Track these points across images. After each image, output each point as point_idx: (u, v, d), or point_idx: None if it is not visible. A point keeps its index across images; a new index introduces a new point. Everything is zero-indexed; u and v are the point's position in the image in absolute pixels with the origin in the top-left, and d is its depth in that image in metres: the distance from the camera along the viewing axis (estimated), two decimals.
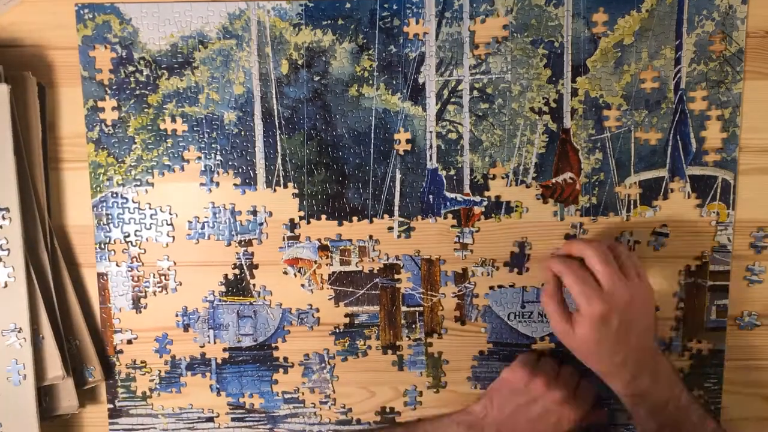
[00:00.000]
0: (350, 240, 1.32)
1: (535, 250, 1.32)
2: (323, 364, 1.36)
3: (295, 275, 1.33)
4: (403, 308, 1.34)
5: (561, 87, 1.27)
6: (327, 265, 1.33)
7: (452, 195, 1.30)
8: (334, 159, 1.29)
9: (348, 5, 1.25)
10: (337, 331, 1.35)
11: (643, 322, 1.18)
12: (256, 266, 1.33)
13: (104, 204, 1.30)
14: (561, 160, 1.29)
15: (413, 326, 1.35)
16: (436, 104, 1.28)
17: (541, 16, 1.26)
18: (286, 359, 1.36)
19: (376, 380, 1.37)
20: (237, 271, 1.33)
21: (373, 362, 1.36)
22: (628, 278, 1.15)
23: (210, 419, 1.38)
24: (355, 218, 1.31)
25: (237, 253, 1.32)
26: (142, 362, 1.35)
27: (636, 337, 1.16)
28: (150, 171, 1.30)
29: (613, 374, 1.18)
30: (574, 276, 1.15)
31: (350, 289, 1.34)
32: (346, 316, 1.35)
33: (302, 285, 1.33)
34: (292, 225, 1.31)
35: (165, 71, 1.27)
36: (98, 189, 1.29)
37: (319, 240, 1.32)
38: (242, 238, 1.32)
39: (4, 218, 1.21)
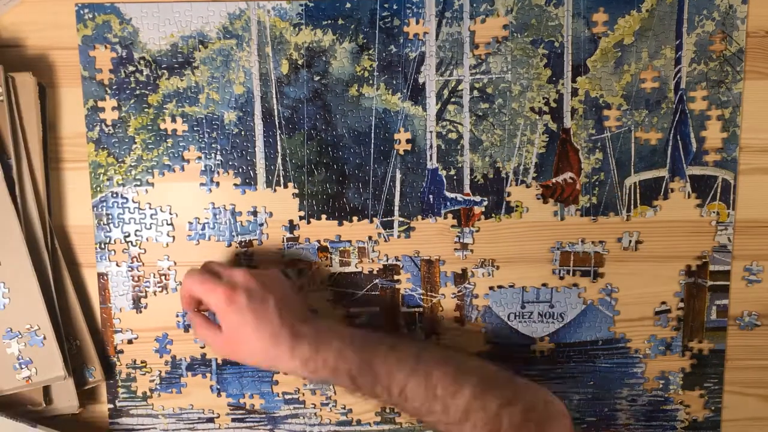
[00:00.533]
0: (349, 241, 1.31)
1: (536, 250, 1.32)
2: None
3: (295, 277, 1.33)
4: (403, 309, 1.34)
5: (561, 87, 1.27)
6: (326, 266, 1.33)
7: (452, 195, 1.30)
8: (335, 159, 1.29)
9: (348, 5, 1.25)
10: None
11: (281, 295, 1.16)
12: (257, 267, 1.32)
13: (104, 204, 1.30)
14: (561, 160, 1.29)
15: (413, 327, 1.35)
16: (437, 104, 1.28)
17: (541, 16, 1.26)
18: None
19: None
20: None
21: None
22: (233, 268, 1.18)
23: (210, 420, 1.37)
24: (355, 218, 1.30)
25: (237, 253, 1.32)
26: (142, 362, 1.35)
27: (280, 309, 1.14)
28: (150, 171, 1.30)
29: (276, 349, 1.13)
30: (195, 278, 1.16)
31: (350, 290, 1.34)
32: (346, 317, 1.35)
33: (302, 287, 1.33)
34: (292, 226, 1.31)
35: (165, 71, 1.27)
36: (98, 189, 1.29)
37: (319, 241, 1.31)
38: (243, 239, 1.32)
39: None
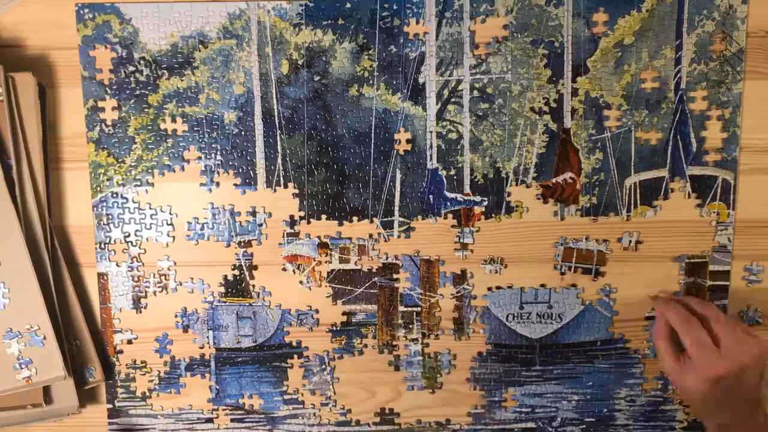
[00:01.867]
0: (350, 238, 1.31)
1: (536, 250, 1.32)
2: (323, 366, 1.36)
3: (294, 272, 1.33)
4: (401, 308, 1.34)
5: (561, 87, 1.27)
6: (326, 262, 1.33)
7: (452, 195, 1.30)
8: (335, 159, 1.29)
9: (348, 5, 1.25)
10: (334, 328, 1.35)
11: (753, 384, 1.17)
12: (256, 267, 1.33)
13: (104, 204, 1.30)
14: (561, 160, 1.29)
15: (410, 326, 1.35)
16: (437, 104, 1.28)
17: (541, 16, 1.26)
18: (286, 360, 1.36)
19: (374, 380, 1.37)
20: (236, 272, 1.33)
21: (369, 361, 1.36)
22: (738, 335, 1.16)
23: (209, 420, 1.37)
24: (355, 218, 1.30)
25: (236, 253, 1.32)
26: (142, 362, 1.35)
27: (739, 398, 1.16)
28: (150, 171, 1.29)
29: (710, 417, 1.19)
30: (694, 335, 1.16)
31: (348, 288, 1.34)
32: (344, 314, 1.35)
33: (301, 282, 1.33)
34: (292, 221, 1.31)
35: (165, 71, 1.27)
36: (98, 189, 1.29)
37: (319, 237, 1.31)
38: (242, 239, 1.32)
39: None
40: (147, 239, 1.31)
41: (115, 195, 1.30)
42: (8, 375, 1.25)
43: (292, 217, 1.31)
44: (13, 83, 1.22)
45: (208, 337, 1.35)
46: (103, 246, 1.31)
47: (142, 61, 1.27)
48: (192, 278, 1.32)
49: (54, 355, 1.25)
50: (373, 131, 1.29)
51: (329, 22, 1.26)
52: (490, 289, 1.34)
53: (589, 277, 1.32)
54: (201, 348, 1.35)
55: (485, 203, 1.30)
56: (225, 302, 1.34)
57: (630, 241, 1.31)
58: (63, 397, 1.30)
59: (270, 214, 1.31)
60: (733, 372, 1.13)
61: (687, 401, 1.22)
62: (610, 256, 1.31)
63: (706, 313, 1.19)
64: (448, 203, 1.30)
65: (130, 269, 1.32)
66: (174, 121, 1.28)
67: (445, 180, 1.30)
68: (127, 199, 1.30)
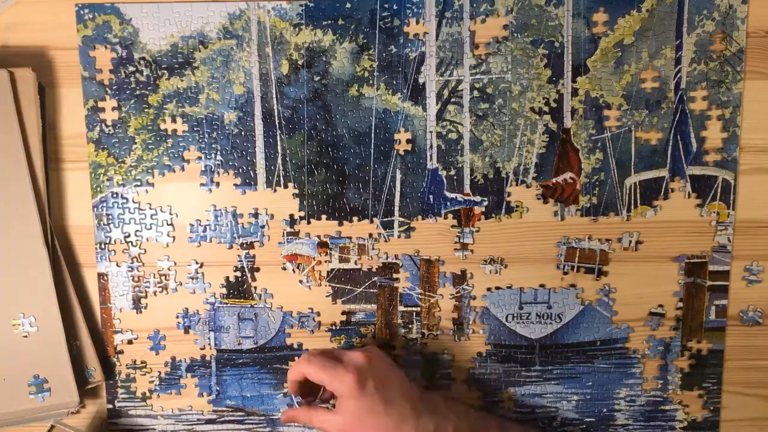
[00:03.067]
0: (350, 237, 1.31)
1: (536, 250, 1.32)
2: None
3: (294, 271, 1.33)
4: (401, 308, 1.34)
5: (561, 87, 1.27)
6: (326, 262, 1.33)
7: (452, 195, 1.30)
8: (335, 159, 1.29)
9: (348, 5, 1.25)
10: (334, 328, 1.35)
11: (394, 373, 1.19)
12: (258, 269, 1.33)
13: (104, 204, 1.30)
14: (561, 160, 1.29)
15: (410, 326, 1.35)
16: (437, 104, 1.28)
17: (541, 16, 1.26)
18: (287, 363, 1.36)
19: None
20: (238, 274, 1.33)
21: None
22: (347, 351, 1.19)
23: (210, 421, 1.37)
24: (355, 218, 1.31)
25: (239, 255, 1.32)
26: (142, 362, 1.35)
27: (398, 389, 1.17)
28: (150, 171, 1.29)
29: (401, 429, 1.16)
30: (313, 364, 1.16)
31: (348, 287, 1.34)
32: (343, 313, 1.35)
33: (300, 281, 1.33)
34: (292, 221, 1.31)
35: (165, 71, 1.27)
36: (98, 189, 1.29)
37: (319, 237, 1.32)
38: (244, 241, 1.32)
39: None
40: (147, 239, 1.31)
41: (115, 195, 1.30)
42: (23, 396, 1.27)
43: (291, 216, 1.31)
44: (12, 77, 1.22)
45: (209, 338, 1.35)
46: (103, 246, 1.31)
47: (142, 62, 1.27)
48: (193, 279, 1.32)
49: (68, 380, 1.28)
50: (373, 131, 1.29)
51: (329, 22, 1.26)
52: (489, 289, 1.34)
53: (591, 277, 1.32)
54: (202, 349, 1.35)
55: (485, 203, 1.30)
56: (226, 304, 1.34)
57: (630, 241, 1.31)
58: (63, 394, 1.30)
59: (272, 216, 1.31)
60: (362, 367, 1.15)
61: None
62: (611, 255, 1.31)
63: (306, 365, 1.18)
64: (448, 203, 1.30)
65: (130, 269, 1.32)
66: (174, 121, 1.28)
67: (445, 180, 1.30)
68: (127, 199, 1.30)
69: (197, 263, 1.32)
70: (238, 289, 1.33)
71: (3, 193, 1.23)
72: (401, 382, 1.18)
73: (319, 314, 1.35)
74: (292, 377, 1.21)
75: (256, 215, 1.31)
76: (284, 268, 1.32)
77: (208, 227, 1.31)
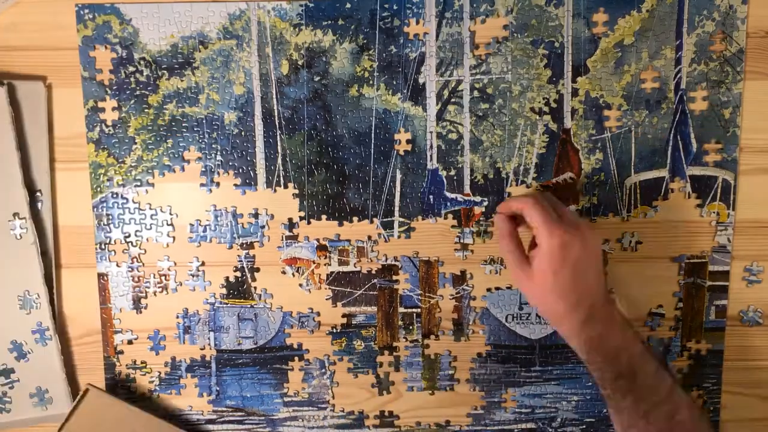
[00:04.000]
0: (348, 240, 1.32)
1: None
2: (323, 370, 1.36)
3: (293, 275, 1.33)
4: (401, 309, 1.34)
5: (561, 87, 1.27)
6: (325, 265, 1.33)
7: (452, 195, 1.30)
8: (335, 159, 1.29)
9: (348, 5, 1.25)
10: (335, 331, 1.35)
11: (596, 263, 1.16)
12: (258, 269, 1.33)
13: (104, 204, 1.30)
14: (561, 160, 1.29)
15: (410, 328, 1.35)
16: (437, 104, 1.28)
17: (541, 16, 1.26)
18: (287, 363, 1.36)
19: (374, 382, 1.37)
20: (238, 274, 1.33)
21: (370, 363, 1.36)
22: (577, 218, 1.17)
23: (209, 421, 1.37)
24: (355, 218, 1.31)
25: (239, 255, 1.32)
26: (142, 362, 1.35)
27: (591, 277, 1.15)
28: (150, 171, 1.29)
29: (567, 316, 1.15)
30: (537, 205, 1.14)
31: (348, 290, 1.34)
32: (344, 316, 1.35)
33: (300, 285, 1.33)
34: (291, 224, 1.31)
35: (165, 71, 1.27)
36: (98, 189, 1.29)
37: (318, 240, 1.32)
38: (244, 241, 1.32)
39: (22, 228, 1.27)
40: (147, 239, 1.31)
41: (115, 195, 1.30)
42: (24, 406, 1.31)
43: (290, 219, 1.31)
44: (11, 88, 1.23)
45: (209, 338, 1.35)
46: (103, 246, 1.31)
47: (142, 62, 1.27)
48: (194, 276, 1.32)
49: (62, 392, 1.32)
50: (373, 131, 1.29)
51: (329, 22, 1.26)
52: (489, 290, 1.34)
53: None
54: (202, 349, 1.35)
55: (485, 203, 1.30)
56: (226, 304, 1.34)
57: (630, 241, 1.31)
58: (58, 404, 1.33)
59: (272, 216, 1.31)
60: (577, 237, 1.13)
61: (538, 296, 1.18)
62: (610, 256, 1.31)
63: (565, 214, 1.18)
64: (448, 203, 1.30)
65: (130, 270, 1.32)
66: (174, 121, 1.28)
67: (445, 180, 1.30)
68: (127, 199, 1.30)
69: (198, 261, 1.32)
70: (238, 289, 1.33)
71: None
72: (597, 274, 1.16)
73: (318, 314, 1.35)
74: (508, 209, 1.22)
75: (256, 215, 1.31)
76: (284, 272, 1.32)
77: (208, 227, 1.31)
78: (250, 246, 1.32)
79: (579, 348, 1.17)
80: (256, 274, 1.33)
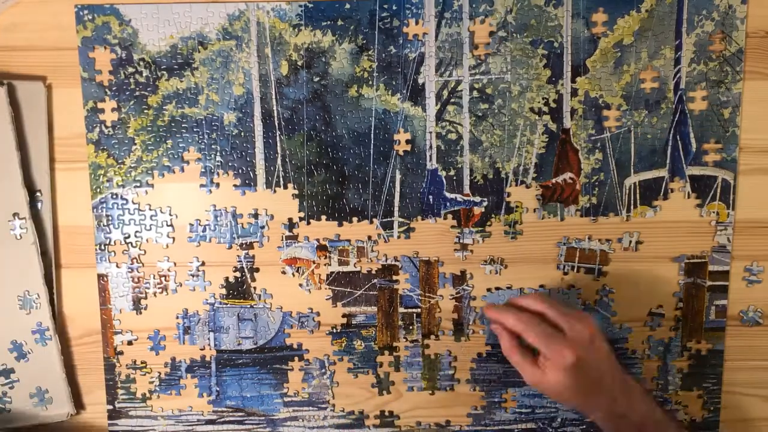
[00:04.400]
0: (348, 240, 1.31)
1: (535, 250, 1.32)
2: (323, 370, 1.36)
3: (293, 275, 1.33)
4: (401, 309, 1.34)
5: (561, 87, 1.27)
6: (325, 265, 1.33)
7: (452, 195, 1.30)
8: (334, 160, 1.29)
9: (347, 6, 1.25)
10: (335, 331, 1.35)
11: (605, 361, 1.17)
12: (257, 269, 1.33)
13: (104, 205, 1.30)
14: (561, 160, 1.29)
15: (410, 328, 1.35)
16: (436, 105, 1.28)
17: (540, 17, 1.26)
18: (287, 363, 1.36)
19: (374, 382, 1.37)
20: (238, 274, 1.33)
21: (370, 363, 1.36)
22: (573, 315, 1.18)
23: (210, 422, 1.37)
24: (355, 219, 1.30)
25: (238, 255, 1.32)
26: (142, 363, 1.35)
27: (604, 376, 1.16)
28: (150, 172, 1.29)
29: (592, 406, 1.17)
30: (537, 331, 1.16)
31: (348, 290, 1.34)
32: (344, 316, 1.35)
33: (300, 285, 1.33)
34: (291, 224, 1.31)
35: (165, 72, 1.27)
36: (98, 190, 1.29)
37: (318, 240, 1.32)
38: (243, 241, 1.32)
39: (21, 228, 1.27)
40: (147, 240, 1.31)
41: (115, 196, 1.30)
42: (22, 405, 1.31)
43: (290, 220, 1.31)
44: (11, 88, 1.23)
45: (208, 338, 1.35)
46: (103, 247, 1.31)
47: (141, 63, 1.27)
48: (194, 276, 1.32)
49: (62, 392, 1.32)
50: (372, 132, 1.29)
51: (328, 23, 1.26)
52: (489, 290, 1.34)
53: (591, 277, 1.32)
54: (202, 350, 1.35)
55: (485, 204, 1.30)
56: (226, 304, 1.34)
57: (630, 241, 1.31)
58: (58, 404, 1.33)
59: (272, 216, 1.31)
60: (583, 347, 1.14)
61: (560, 397, 1.20)
62: (611, 256, 1.31)
63: (537, 308, 1.19)
64: (448, 204, 1.30)
65: (130, 270, 1.32)
66: (174, 122, 1.28)
67: (444, 180, 1.30)
68: (126, 200, 1.30)
69: (198, 261, 1.32)
70: (238, 289, 1.33)
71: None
72: (610, 370, 1.17)
73: (318, 314, 1.34)
74: (503, 320, 1.21)
75: (255, 215, 1.31)
76: (284, 272, 1.32)
77: (207, 227, 1.31)
78: (250, 246, 1.32)
79: (606, 427, 1.19)
80: (255, 274, 1.33)
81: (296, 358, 1.35)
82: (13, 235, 1.26)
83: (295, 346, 1.35)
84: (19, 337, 1.30)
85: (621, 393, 1.16)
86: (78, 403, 1.35)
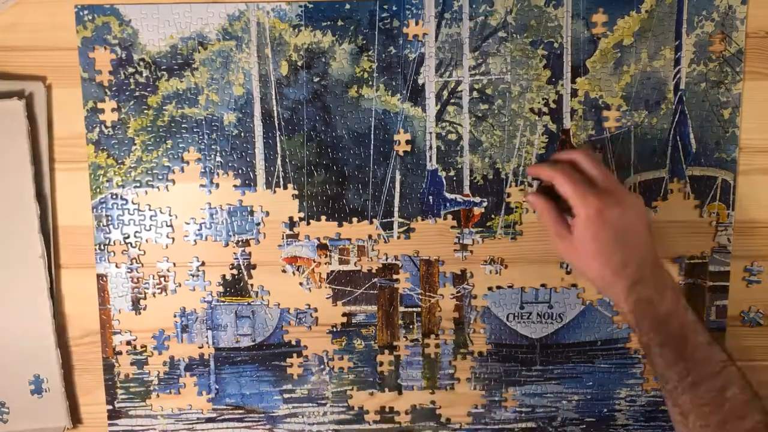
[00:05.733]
0: (349, 239, 1.32)
1: (534, 251, 1.32)
2: (322, 366, 1.36)
3: (294, 274, 1.33)
4: (401, 309, 1.35)
5: (560, 88, 1.27)
6: (326, 264, 1.33)
7: (452, 196, 1.30)
8: (334, 160, 1.29)
9: (347, 6, 1.25)
10: (335, 330, 1.35)
11: (639, 224, 1.14)
12: (254, 266, 1.33)
13: (104, 205, 1.30)
14: None
15: (411, 327, 1.35)
16: (436, 105, 1.28)
17: (540, 17, 1.26)
18: (286, 360, 1.36)
19: (374, 380, 1.37)
20: (235, 272, 1.33)
21: (370, 362, 1.36)
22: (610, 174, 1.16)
23: (209, 420, 1.37)
24: (355, 219, 1.31)
25: (234, 253, 1.32)
26: (141, 362, 1.35)
27: (634, 238, 1.13)
28: (150, 172, 1.29)
29: (614, 280, 1.13)
30: (566, 177, 1.14)
31: (348, 289, 1.34)
32: (344, 315, 1.35)
33: (300, 284, 1.33)
34: (291, 223, 1.31)
35: (165, 72, 1.27)
36: (98, 190, 1.29)
37: (318, 239, 1.32)
38: (240, 238, 1.32)
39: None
40: (146, 240, 1.31)
41: (114, 196, 1.30)
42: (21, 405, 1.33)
43: (291, 218, 1.31)
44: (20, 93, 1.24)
45: (207, 337, 1.35)
46: (102, 247, 1.31)
47: (141, 63, 1.27)
48: (194, 276, 1.32)
49: (60, 404, 1.33)
50: (372, 132, 1.29)
51: (328, 23, 1.26)
52: (490, 288, 1.34)
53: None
54: (200, 348, 1.35)
55: (485, 204, 1.30)
56: (224, 302, 1.34)
57: None
58: (58, 404, 1.34)
59: (267, 213, 1.31)
60: (613, 202, 1.12)
61: (582, 263, 1.17)
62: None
63: (574, 157, 1.18)
64: (448, 204, 1.30)
65: (129, 270, 1.32)
66: (173, 122, 1.28)
67: (444, 181, 1.30)
68: (126, 200, 1.30)
69: (198, 261, 1.32)
70: (235, 286, 1.33)
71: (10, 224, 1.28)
72: (642, 236, 1.14)
73: (316, 310, 1.35)
74: (540, 173, 1.22)
75: (251, 212, 1.31)
76: (284, 271, 1.32)
77: (203, 225, 1.31)
78: (246, 243, 1.32)
79: (627, 312, 1.13)
80: (252, 271, 1.33)
81: (295, 355, 1.36)
82: (21, 246, 1.27)
83: (293, 343, 1.35)
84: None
85: (651, 274, 1.13)
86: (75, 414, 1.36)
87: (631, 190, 1.29)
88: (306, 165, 1.29)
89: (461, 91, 1.28)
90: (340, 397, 1.37)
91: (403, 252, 1.32)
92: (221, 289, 1.33)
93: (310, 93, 1.28)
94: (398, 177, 1.30)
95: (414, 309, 1.35)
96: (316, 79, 1.28)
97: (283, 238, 1.32)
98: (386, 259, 1.33)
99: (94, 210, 1.30)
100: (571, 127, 1.28)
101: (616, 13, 1.25)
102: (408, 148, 1.29)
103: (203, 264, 1.32)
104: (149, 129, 1.28)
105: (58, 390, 1.31)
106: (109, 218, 1.30)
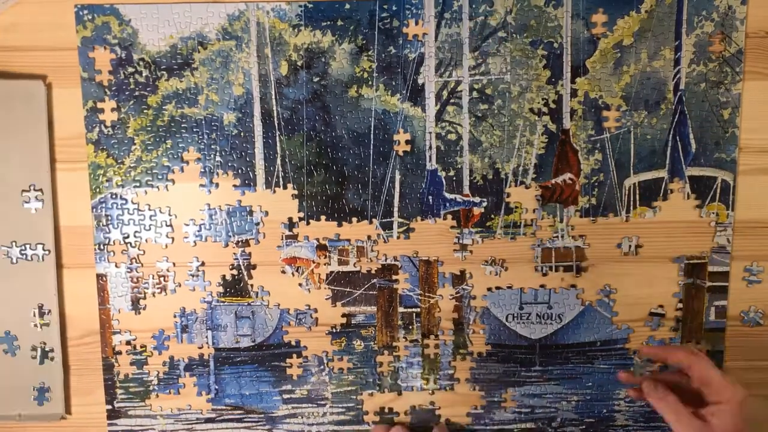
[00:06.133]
0: (348, 240, 1.31)
1: (532, 251, 1.32)
2: (322, 366, 1.36)
3: (293, 274, 1.33)
4: (401, 309, 1.34)
5: (560, 88, 1.27)
6: (325, 264, 1.33)
7: (452, 196, 1.30)
8: (334, 160, 1.29)
9: (347, 6, 1.25)
10: (334, 330, 1.35)
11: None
12: (254, 266, 1.33)
13: (104, 205, 1.30)
14: (560, 160, 1.29)
15: (410, 327, 1.35)
16: (436, 105, 1.28)
17: (540, 17, 1.26)
18: (285, 360, 1.36)
19: (373, 381, 1.36)
20: (235, 272, 1.33)
21: (369, 362, 1.36)
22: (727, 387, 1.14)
23: (209, 420, 1.37)
24: (354, 219, 1.30)
25: (234, 253, 1.32)
26: (140, 362, 1.35)
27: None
28: (149, 172, 1.29)
29: None
30: (710, 362, 1.14)
31: (348, 289, 1.34)
32: (343, 316, 1.35)
33: (300, 284, 1.33)
34: (291, 224, 1.31)
35: (164, 72, 1.27)
36: (98, 190, 1.29)
37: (318, 240, 1.31)
38: (239, 239, 1.32)
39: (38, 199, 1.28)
40: (146, 240, 1.31)
41: (114, 196, 1.30)
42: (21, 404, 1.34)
43: (290, 219, 1.31)
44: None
45: (206, 337, 1.35)
46: (102, 247, 1.31)
47: (141, 63, 1.27)
48: (194, 276, 1.32)
49: (60, 389, 1.34)
50: (372, 132, 1.29)
51: (328, 23, 1.26)
52: (489, 289, 1.34)
53: (572, 275, 1.32)
54: (200, 348, 1.35)
55: (484, 204, 1.30)
56: (223, 302, 1.34)
57: (630, 246, 1.31)
58: (58, 403, 1.33)
59: (267, 213, 1.31)
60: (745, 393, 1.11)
61: None
62: (606, 256, 1.31)
63: (691, 372, 1.16)
64: (448, 204, 1.30)
65: (129, 270, 1.32)
66: (173, 122, 1.28)
67: (444, 181, 1.30)
68: (126, 200, 1.30)
69: (198, 261, 1.32)
70: (235, 287, 1.33)
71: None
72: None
73: (316, 311, 1.34)
74: (670, 356, 1.20)
75: (250, 213, 1.31)
76: (283, 272, 1.32)
77: (203, 226, 1.31)
78: (246, 243, 1.32)
79: None
80: (252, 271, 1.33)
81: (294, 355, 1.35)
82: (35, 256, 1.29)
83: (293, 344, 1.35)
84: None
85: None
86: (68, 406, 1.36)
87: (631, 189, 1.29)
88: (306, 165, 1.29)
89: (461, 91, 1.28)
90: (340, 398, 1.37)
91: (402, 252, 1.32)
92: (221, 289, 1.33)
93: (310, 93, 1.28)
94: (398, 177, 1.30)
95: (413, 309, 1.35)
96: (315, 79, 1.28)
97: (282, 239, 1.32)
98: (385, 259, 1.32)
99: (94, 210, 1.30)
100: (571, 127, 1.28)
101: (615, 13, 1.25)
102: (408, 148, 1.29)
103: (203, 264, 1.32)
104: (149, 129, 1.28)
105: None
106: (109, 218, 1.30)
